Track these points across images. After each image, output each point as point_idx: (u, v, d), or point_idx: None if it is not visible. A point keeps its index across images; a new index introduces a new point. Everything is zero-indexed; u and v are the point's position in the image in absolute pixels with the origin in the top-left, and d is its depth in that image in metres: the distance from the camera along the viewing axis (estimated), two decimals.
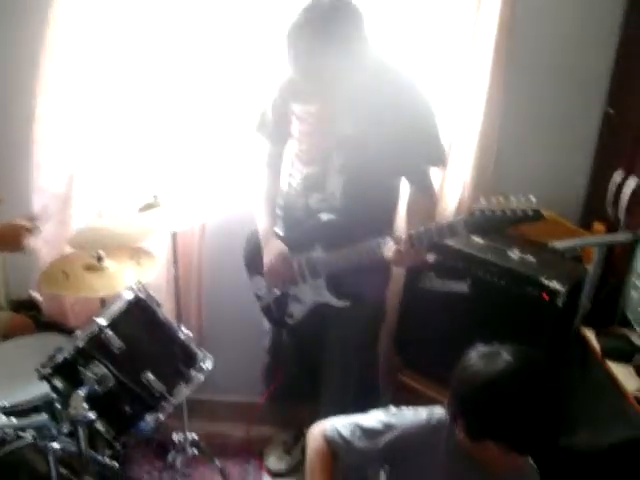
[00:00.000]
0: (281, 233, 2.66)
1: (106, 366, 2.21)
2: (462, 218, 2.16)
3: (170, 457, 2.84)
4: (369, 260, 2.37)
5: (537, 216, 2.04)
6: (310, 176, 2.55)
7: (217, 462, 2.89)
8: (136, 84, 2.87)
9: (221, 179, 3.01)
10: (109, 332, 2.22)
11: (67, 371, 2.19)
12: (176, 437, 2.85)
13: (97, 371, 2.19)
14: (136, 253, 2.76)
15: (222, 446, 3.21)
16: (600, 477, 2.24)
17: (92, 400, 2.11)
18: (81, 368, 2.18)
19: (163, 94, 2.89)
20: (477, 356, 1.77)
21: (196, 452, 2.87)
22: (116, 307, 2.31)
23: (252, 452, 3.24)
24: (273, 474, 3.14)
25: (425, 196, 2.58)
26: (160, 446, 3.08)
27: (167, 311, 2.81)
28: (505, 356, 1.73)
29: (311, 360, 2.86)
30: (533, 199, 2.03)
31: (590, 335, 2.52)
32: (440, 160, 2.56)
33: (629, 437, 2.14)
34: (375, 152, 2.39)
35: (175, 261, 2.73)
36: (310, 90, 2.41)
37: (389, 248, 2.30)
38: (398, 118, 2.35)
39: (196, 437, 2.86)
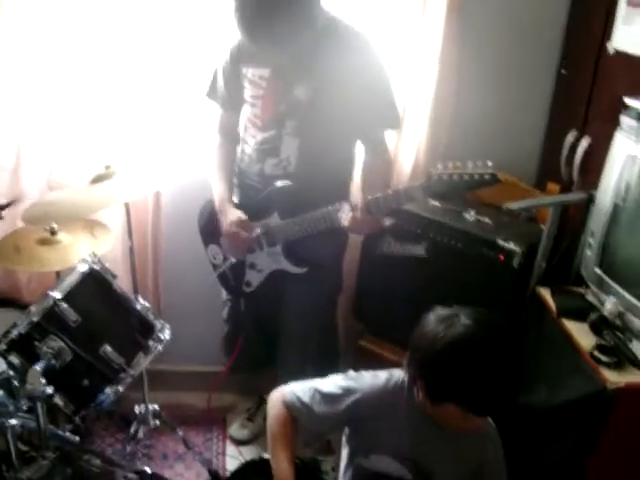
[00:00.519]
0: (237, 201, 2.64)
1: (62, 340, 2.17)
2: (420, 183, 2.15)
3: (132, 429, 2.82)
4: (326, 227, 2.36)
5: (493, 180, 2.04)
6: (264, 141, 2.52)
7: (180, 432, 2.88)
8: (85, 49, 2.79)
9: (174, 147, 2.95)
10: (64, 305, 2.18)
11: (23, 346, 2.15)
12: (138, 409, 2.83)
13: (53, 345, 2.15)
14: (90, 225, 2.71)
15: (184, 416, 3.21)
16: (557, 432, 2.28)
17: (50, 375, 2.08)
18: (37, 343, 2.14)
19: (111, 60, 2.81)
20: (435, 320, 1.78)
21: (158, 423, 2.85)
22: (70, 280, 2.26)
23: (214, 421, 3.25)
24: (236, 442, 3.14)
25: (380, 160, 2.57)
26: (122, 418, 3.08)
27: (124, 283, 2.80)
28: (463, 319, 1.74)
29: (270, 327, 2.86)
30: (489, 163, 2.04)
31: (546, 294, 2.54)
32: (395, 122, 2.55)
33: (585, 392, 2.17)
34: (330, 115, 2.38)
35: (130, 232, 2.69)
36: (261, 53, 2.38)
37: (345, 215, 2.29)
38: (353, 80, 2.33)
39: (158, 408, 2.84)
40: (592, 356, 2.20)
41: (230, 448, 3.12)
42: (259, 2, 2.13)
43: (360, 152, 2.60)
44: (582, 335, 2.31)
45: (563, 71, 3.05)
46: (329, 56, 2.33)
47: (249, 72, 2.47)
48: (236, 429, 3.19)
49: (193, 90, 2.87)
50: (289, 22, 2.16)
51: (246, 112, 2.58)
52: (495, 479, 1.98)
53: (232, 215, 2.55)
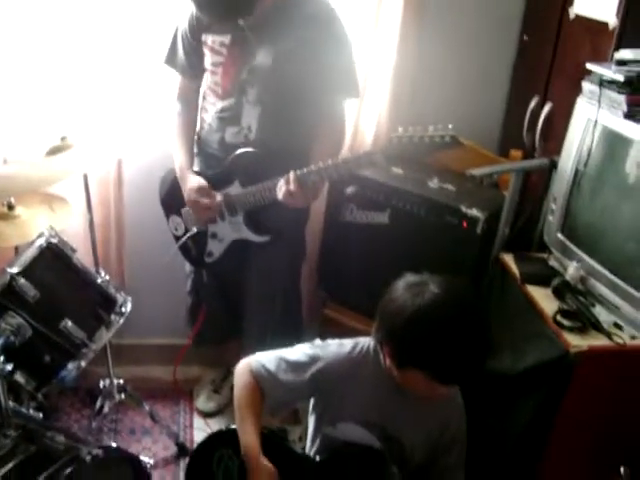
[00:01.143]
0: (198, 169, 2.61)
1: (21, 316, 2.14)
2: (379, 147, 2.16)
3: (98, 404, 2.80)
4: (275, 198, 2.34)
5: (454, 142, 2.05)
6: (224, 109, 2.49)
7: (146, 406, 2.86)
8: (36, 15, 2.70)
9: (133, 116, 2.88)
10: (22, 280, 2.14)
11: None
12: (103, 383, 2.81)
13: (12, 322, 2.12)
14: (49, 199, 2.65)
15: (150, 390, 3.18)
16: (521, 397, 2.30)
17: (9, 352, 2.07)
18: None
19: (64, 26, 2.72)
20: (405, 286, 1.78)
21: (124, 397, 2.83)
22: (28, 254, 2.22)
23: (181, 394, 3.23)
24: (203, 414, 3.13)
25: (335, 127, 2.54)
26: (87, 394, 3.06)
27: (86, 257, 2.76)
28: (432, 287, 1.74)
29: (234, 298, 2.85)
30: (450, 126, 2.05)
31: (509, 261, 2.55)
32: (355, 91, 2.53)
33: (548, 357, 2.19)
34: (291, 82, 2.37)
35: (89, 205, 2.65)
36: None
37: (279, 188, 2.28)
38: (314, 47, 2.32)
39: (123, 382, 2.82)
40: (555, 321, 2.22)
41: (197, 421, 3.11)
42: None
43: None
44: (545, 300, 2.34)
45: (525, 37, 3.05)
46: (291, 22, 2.32)
47: (209, 39, 2.44)
48: (203, 401, 3.17)
49: (151, 56, 2.79)
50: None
51: (206, 80, 2.54)
52: (455, 443, 1.99)
53: (192, 182, 2.52)
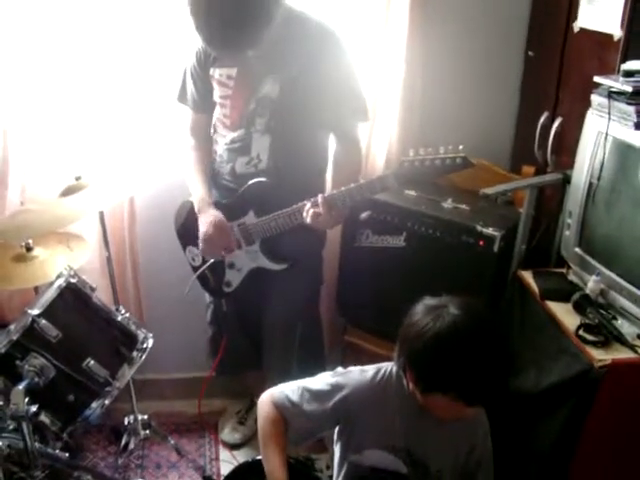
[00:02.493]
0: (213, 201, 2.61)
1: (44, 357, 2.15)
2: (392, 171, 2.17)
3: (123, 441, 2.81)
4: (298, 223, 2.35)
5: (465, 163, 2.06)
6: (234, 140, 2.51)
7: (171, 440, 2.86)
8: (48, 54, 2.73)
9: (144, 152, 2.90)
10: (43, 321, 2.16)
11: (4, 366, 2.13)
12: (127, 420, 2.81)
13: (36, 363, 2.13)
14: (65, 238, 2.68)
15: (175, 424, 3.21)
16: (546, 414, 2.28)
17: (34, 393, 2.07)
18: (18, 362, 2.12)
19: (77, 66, 2.76)
20: (424, 310, 1.77)
21: (149, 433, 2.84)
22: (48, 295, 2.24)
23: (206, 426, 3.22)
24: (229, 446, 3.13)
25: (347, 152, 2.56)
26: (112, 431, 3.06)
27: (104, 294, 2.78)
28: (452, 309, 1.73)
29: (254, 327, 2.84)
30: (461, 147, 2.06)
31: (528, 277, 2.54)
32: (366, 113, 2.54)
33: (572, 372, 2.18)
34: (300, 110, 2.38)
35: (106, 242, 2.67)
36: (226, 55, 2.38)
37: (307, 212, 2.28)
38: (322, 74, 2.34)
39: (147, 418, 2.83)
40: (578, 336, 2.20)
41: (223, 453, 3.10)
42: (225, 14, 2.10)
43: (332, 144, 2.59)
44: (566, 315, 2.32)
45: (530, 53, 3.05)
46: (296, 50, 2.33)
47: (216, 73, 2.46)
48: (228, 433, 3.17)
49: (162, 94, 2.84)
50: (258, 29, 2.15)
51: (216, 113, 2.57)
52: (483, 461, 1.98)
53: (209, 216, 2.52)
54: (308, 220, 2.28)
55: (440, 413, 1.83)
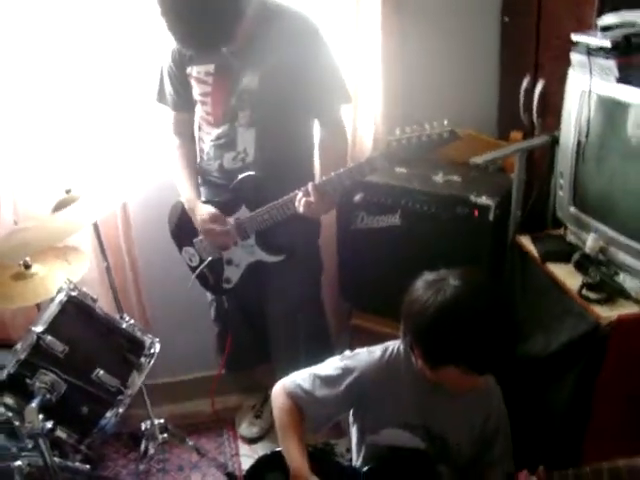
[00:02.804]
0: (203, 199, 2.61)
1: (54, 372, 2.16)
2: (380, 152, 2.16)
3: (142, 446, 2.80)
4: (292, 213, 2.35)
5: (452, 137, 2.06)
6: (220, 136, 2.51)
7: (190, 441, 2.86)
8: (30, 67, 2.71)
9: (131, 157, 2.90)
10: (48, 337, 2.16)
11: (15, 386, 2.13)
12: (144, 426, 2.82)
13: (46, 379, 2.14)
14: (62, 252, 2.68)
15: (192, 424, 3.21)
16: (558, 376, 2.29)
17: (47, 409, 2.08)
18: (29, 380, 2.13)
19: (57, 78, 2.74)
20: (424, 285, 1.78)
21: (167, 436, 2.83)
22: (50, 311, 2.24)
23: (223, 424, 3.23)
24: (248, 440, 3.14)
25: (338, 135, 2.56)
26: (130, 438, 3.06)
27: (107, 303, 2.79)
28: (452, 281, 1.74)
29: (258, 321, 2.85)
30: (446, 122, 2.06)
31: (526, 242, 2.54)
32: (347, 96, 2.54)
33: (580, 332, 2.18)
34: (282, 99, 2.38)
35: (103, 252, 2.67)
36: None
37: (299, 202, 2.28)
38: (301, 63, 2.33)
39: (163, 421, 2.82)
40: (581, 295, 2.21)
41: (243, 448, 3.12)
42: (181, 16, 2.10)
43: (317, 131, 2.59)
44: (568, 276, 2.32)
45: (506, 19, 3.04)
46: (274, 43, 2.32)
47: (194, 70, 2.45)
48: (245, 428, 3.18)
49: (142, 95, 2.82)
50: (230, 24, 2.15)
51: (198, 111, 2.56)
52: (500, 428, 1.99)
53: (203, 212, 2.53)
54: (301, 209, 2.28)
55: (452, 386, 1.84)
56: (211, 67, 2.42)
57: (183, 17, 2.09)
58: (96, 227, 2.63)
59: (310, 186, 2.25)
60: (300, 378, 1.97)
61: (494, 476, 1.95)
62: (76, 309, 2.31)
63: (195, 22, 2.10)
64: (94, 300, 2.36)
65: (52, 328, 2.19)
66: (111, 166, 2.84)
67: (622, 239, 2.24)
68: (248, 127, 2.44)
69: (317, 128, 2.58)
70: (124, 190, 2.68)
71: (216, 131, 2.51)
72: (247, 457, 3.02)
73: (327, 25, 2.66)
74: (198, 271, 2.66)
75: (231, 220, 2.51)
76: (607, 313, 2.11)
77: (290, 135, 2.48)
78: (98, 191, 2.57)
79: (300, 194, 2.28)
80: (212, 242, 2.58)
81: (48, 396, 2.11)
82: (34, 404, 2.03)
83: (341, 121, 2.57)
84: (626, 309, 2.13)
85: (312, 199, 2.25)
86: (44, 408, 2.06)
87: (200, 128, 2.60)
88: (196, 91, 2.49)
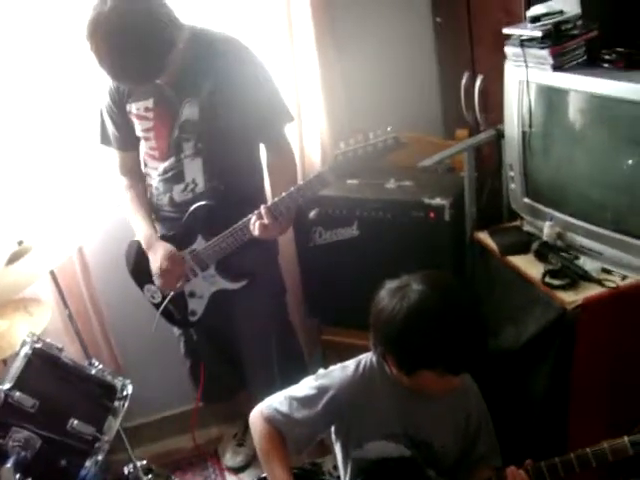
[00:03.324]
0: (159, 235, 2.58)
1: (26, 429, 2.09)
2: (328, 166, 2.17)
3: None
4: (248, 237, 2.34)
5: (397, 143, 2.09)
6: (167, 170, 2.48)
7: (175, 479, 2.82)
8: None
9: (82, 202, 2.86)
10: (17, 394, 2.09)
11: None
12: (127, 470, 2.76)
13: (19, 437, 2.07)
14: (22, 304, 2.63)
15: (175, 462, 3.17)
16: (532, 366, 2.30)
17: (24, 467, 2.03)
18: (1, 440, 2.05)
19: None
20: (388, 294, 1.79)
21: (151, 477, 2.79)
22: (16, 366, 2.18)
23: (206, 457, 3.19)
24: (234, 470, 3.10)
25: (285, 155, 2.55)
26: None
27: (75, 351, 2.73)
28: (415, 286, 1.75)
29: (229, 349, 2.83)
30: (389, 129, 2.08)
31: (485, 238, 2.55)
32: (289, 113, 2.53)
33: (548, 320, 2.20)
34: (225, 126, 2.37)
35: (63, 300, 2.63)
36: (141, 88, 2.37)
37: (253, 226, 2.27)
38: (238, 87, 2.33)
39: (146, 463, 2.78)
40: (545, 283, 2.23)
41: (230, 478, 3.08)
42: (111, 51, 2.09)
43: (263, 155, 2.58)
44: (530, 266, 2.34)
45: (438, 19, 3.07)
46: (206, 69, 2.32)
47: (133, 107, 2.43)
48: (230, 458, 3.14)
49: (84, 139, 2.79)
50: (146, 62, 2.14)
51: (142, 147, 2.54)
52: (482, 424, 2.00)
53: (160, 251, 2.50)
54: (256, 233, 2.27)
55: (429, 389, 1.83)
56: (150, 102, 2.40)
57: (113, 52, 2.09)
58: (53, 275, 2.59)
59: (263, 209, 2.24)
60: (277, 402, 1.95)
61: (483, 473, 1.94)
62: (42, 361, 2.25)
63: (126, 57, 2.10)
64: (60, 349, 2.31)
65: (20, 384, 2.13)
66: (61, 212, 2.79)
67: (578, 223, 2.28)
68: (194, 157, 2.43)
69: (264, 151, 2.57)
70: (77, 235, 2.64)
71: (162, 165, 2.49)
72: None
73: (261, 45, 2.69)
74: (162, 308, 2.63)
75: (186, 255, 2.49)
76: (572, 297, 2.13)
77: (237, 160, 2.47)
78: (51, 239, 2.54)
79: (254, 218, 2.27)
80: (166, 282, 2.53)
81: (23, 453, 2.05)
82: (9, 464, 1.98)
83: (286, 141, 2.56)
84: (590, 291, 2.15)
85: (266, 221, 2.24)
86: (20, 466, 2.01)
87: (146, 164, 2.58)
88: (138, 128, 2.47)
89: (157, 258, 2.50)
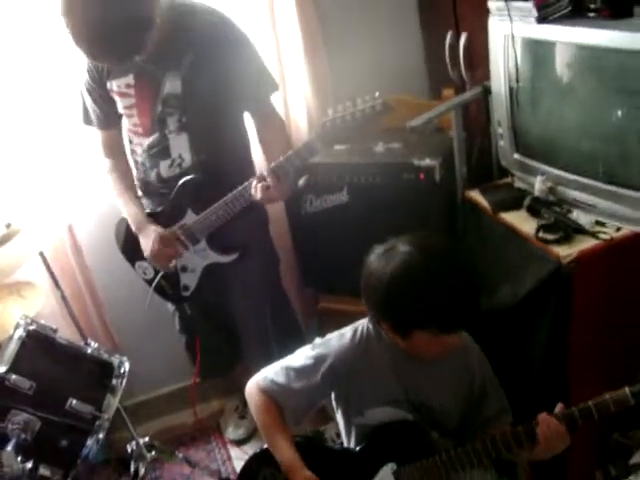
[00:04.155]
0: (148, 211, 2.57)
1: (25, 411, 2.11)
2: (316, 133, 2.16)
3: (132, 468, 2.76)
4: (241, 206, 2.32)
5: (385, 108, 2.08)
6: (152, 145, 2.46)
7: (179, 454, 2.83)
8: None
9: (68, 181, 2.84)
10: (13, 376, 2.11)
11: None
12: (130, 447, 2.77)
13: (18, 420, 2.09)
14: (15, 287, 2.63)
15: (178, 437, 3.19)
16: (531, 322, 2.29)
17: (25, 449, 2.05)
18: (0, 424, 2.07)
19: None
20: (376, 258, 1.78)
21: (155, 454, 2.79)
22: (10, 348, 2.20)
23: (209, 431, 3.21)
24: (237, 443, 3.12)
25: (275, 124, 2.54)
26: (119, 462, 3.01)
27: (70, 331, 2.72)
28: (401, 247, 1.73)
29: (224, 322, 2.83)
30: (377, 94, 2.07)
31: (476, 196, 2.53)
32: (274, 82, 2.51)
33: (544, 275, 2.18)
34: (209, 98, 2.34)
35: (55, 281, 2.61)
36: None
37: (255, 188, 2.25)
38: (222, 58, 2.30)
39: (148, 440, 2.79)
40: (539, 238, 2.21)
41: (233, 451, 3.10)
42: (88, 28, 2.05)
43: (251, 124, 2.56)
44: (523, 222, 2.32)
45: None
46: (187, 41, 2.29)
47: (114, 85, 2.40)
48: (232, 431, 3.16)
49: (67, 122, 2.77)
50: (125, 39, 2.10)
51: (125, 124, 2.52)
52: (486, 383, 1.99)
53: (150, 233, 2.48)
54: (259, 195, 2.25)
55: (427, 352, 1.83)
56: (130, 78, 2.37)
57: (90, 29, 2.04)
58: (44, 257, 2.57)
59: (266, 170, 2.23)
60: (273, 373, 1.94)
61: (498, 428, 1.92)
62: (37, 343, 2.26)
63: (104, 35, 2.05)
64: (54, 330, 2.31)
65: (15, 366, 2.15)
66: (48, 192, 2.77)
67: (569, 176, 2.26)
68: (179, 132, 2.41)
69: (251, 122, 2.55)
70: (65, 215, 2.62)
71: (147, 141, 2.46)
72: (239, 460, 2.98)
73: (242, 14, 2.65)
74: (155, 284, 2.61)
75: (176, 230, 2.47)
76: (567, 251, 2.11)
77: (223, 132, 2.45)
78: (39, 220, 2.52)
79: (255, 181, 2.25)
80: (160, 263, 2.53)
81: (23, 436, 2.07)
82: (10, 447, 2.00)
83: (275, 110, 2.55)
84: (585, 244, 2.14)
85: (269, 182, 2.22)
86: (21, 449, 2.02)
87: (131, 141, 2.55)
88: (120, 105, 2.44)
89: (148, 241, 2.49)
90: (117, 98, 2.43)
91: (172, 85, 2.34)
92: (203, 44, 2.29)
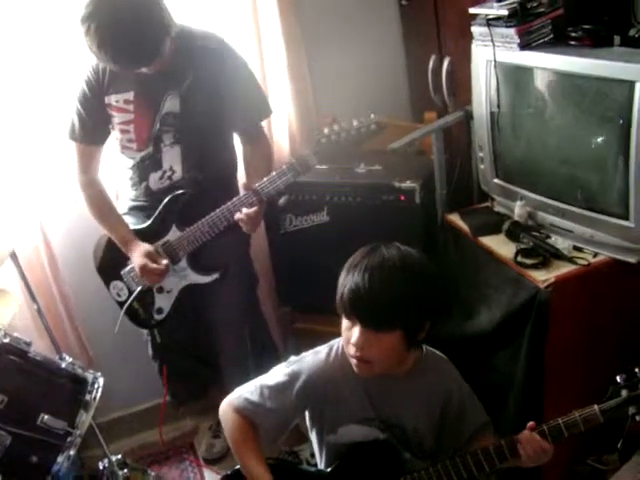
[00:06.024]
0: (131, 227, 2.55)
1: None
2: (311, 150, 2.21)
3: None
4: (224, 225, 2.33)
5: (379, 128, 2.17)
6: (144, 158, 2.48)
7: (152, 473, 2.79)
8: None
9: (44, 193, 2.82)
10: None
11: None
12: (102, 465, 2.73)
13: None
14: None
15: (151, 455, 3.14)
16: (508, 345, 2.30)
17: None
18: None
19: None
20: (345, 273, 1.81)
21: (127, 472, 2.76)
22: None
23: (182, 449, 3.17)
24: (210, 462, 3.08)
25: (264, 146, 2.58)
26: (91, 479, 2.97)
27: (45, 346, 2.69)
28: (383, 251, 1.84)
29: (197, 346, 2.83)
30: (372, 115, 2.16)
31: (456, 219, 2.56)
32: (269, 107, 2.57)
33: (522, 299, 2.20)
34: (205, 118, 2.40)
35: (31, 293, 2.59)
36: (122, 78, 2.36)
37: (246, 215, 2.28)
38: (220, 80, 2.36)
39: (121, 457, 2.75)
40: (517, 262, 2.23)
41: (207, 471, 3.05)
42: (113, 27, 2.08)
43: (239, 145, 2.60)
44: (502, 246, 2.34)
45: (404, 2, 3.06)
46: (187, 62, 2.35)
47: (112, 99, 2.43)
48: (206, 450, 3.12)
49: (52, 133, 2.75)
50: (146, 41, 2.14)
51: (119, 141, 2.51)
52: (465, 402, 1.97)
53: (139, 251, 2.47)
54: (247, 229, 2.32)
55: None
56: (130, 95, 2.40)
57: (116, 29, 2.08)
58: (20, 269, 2.54)
59: (251, 191, 2.27)
60: (247, 391, 1.92)
61: (484, 442, 1.90)
62: (10, 356, 2.19)
63: (131, 36, 2.10)
64: (28, 344, 2.26)
65: None
66: (19, 191, 2.75)
67: (548, 202, 2.28)
68: (172, 146, 2.44)
69: (239, 143, 2.59)
70: (37, 213, 2.59)
71: (139, 154, 2.48)
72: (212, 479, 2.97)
73: (227, 32, 2.67)
74: (127, 304, 2.59)
75: (158, 247, 2.46)
76: (545, 276, 2.14)
77: (215, 151, 2.49)
78: (10, 218, 2.52)
79: (245, 209, 2.28)
80: (150, 278, 2.50)
81: None
82: None
83: (264, 132, 2.61)
84: (562, 269, 2.16)
85: (257, 208, 2.27)
86: None
87: (123, 154, 2.54)
88: (116, 120, 2.46)
89: (139, 256, 2.47)
90: (114, 113, 2.45)
91: (171, 104, 2.39)
92: (202, 67, 2.34)
